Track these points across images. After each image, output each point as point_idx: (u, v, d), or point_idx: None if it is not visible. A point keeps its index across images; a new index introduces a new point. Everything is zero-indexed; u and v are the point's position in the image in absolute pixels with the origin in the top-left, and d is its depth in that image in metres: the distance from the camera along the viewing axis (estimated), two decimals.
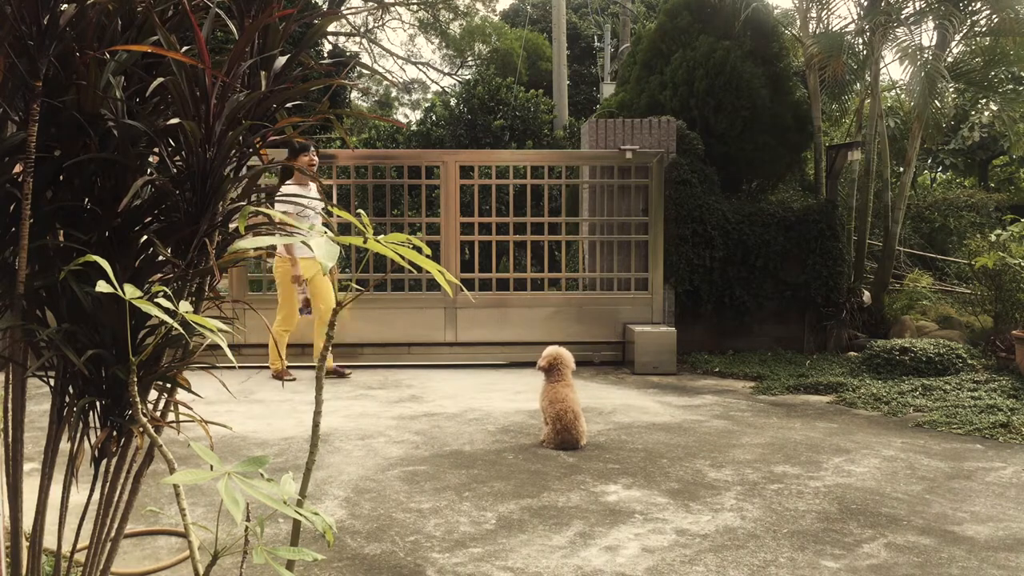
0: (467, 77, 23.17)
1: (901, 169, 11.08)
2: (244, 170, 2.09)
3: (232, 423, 4.67)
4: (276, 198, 5.86)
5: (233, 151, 1.97)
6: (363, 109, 24.71)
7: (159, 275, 2.06)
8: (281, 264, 6.56)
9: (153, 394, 2.03)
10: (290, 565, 1.75)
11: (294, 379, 6.67)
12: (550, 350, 4.98)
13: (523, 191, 9.95)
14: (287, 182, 5.88)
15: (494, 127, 12.42)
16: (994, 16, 8.42)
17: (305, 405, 5.71)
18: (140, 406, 1.67)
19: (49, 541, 2.23)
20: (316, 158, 6.30)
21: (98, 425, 1.99)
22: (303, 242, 1.59)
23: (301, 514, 1.49)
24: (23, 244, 1.83)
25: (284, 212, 5.69)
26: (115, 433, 1.99)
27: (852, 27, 8.93)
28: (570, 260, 9.52)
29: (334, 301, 6.34)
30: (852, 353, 7.74)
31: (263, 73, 1.97)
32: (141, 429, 1.79)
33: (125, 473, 2.05)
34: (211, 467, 1.41)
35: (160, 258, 1.98)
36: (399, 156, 9.21)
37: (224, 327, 1.61)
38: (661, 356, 7.29)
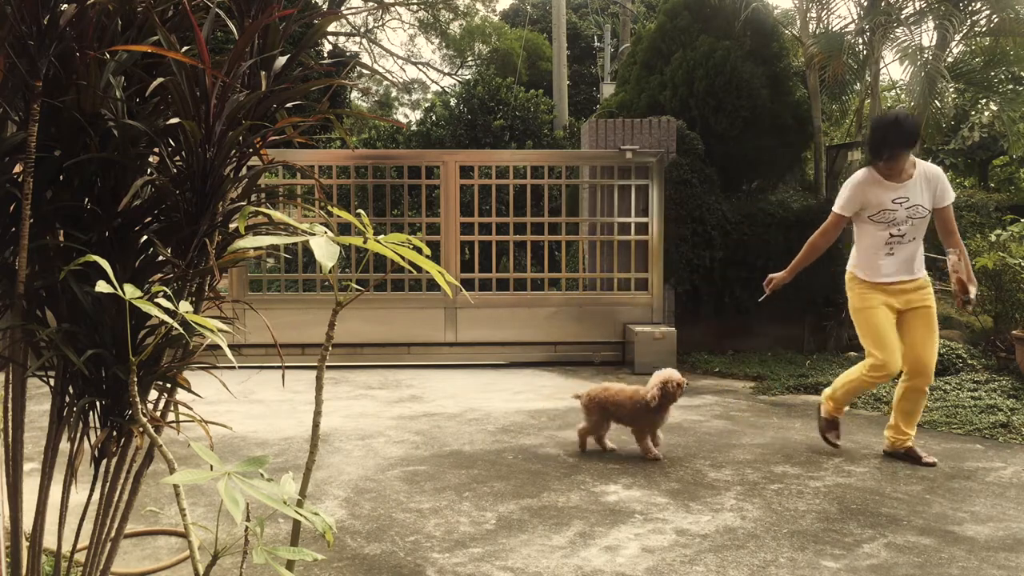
0: (467, 77, 23.18)
1: None
2: (244, 170, 2.09)
3: (232, 423, 4.67)
4: (847, 191, 4.57)
5: (233, 151, 1.97)
6: (363, 109, 24.71)
7: (159, 275, 2.07)
8: (852, 285, 4.66)
9: (153, 394, 2.03)
10: (290, 565, 1.75)
11: (837, 445, 4.65)
12: (664, 376, 4.34)
13: (523, 191, 9.94)
14: (864, 173, 4.44)
15: (494, 127, 12.42)
16: (994, 16, 8.41)
17: (305, 405, 5.71)
18: (140, 406, 1.67)
19: (49, 541, 2.24)
20: (898, 164, 4.31)
21: (98, 425, 1.99)
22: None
23: (301, 514, 1.49)
24: (23, 244, 1.83)
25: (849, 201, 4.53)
26: (115, 433, 1.99)
27: (852, 27, 8.92)
28: (570, 260, 9.52)
29: (934, 359, 4.39)
30: (852, 353, 7.73)
31: (263, 73, 1.97)
32: (141, 429, 1.79)
33: (125, 473, 2.05)
34: (211, 467, 1.41)
35: (160, 258, 1.98)
36: (399, 156, 9.21)
37: (224, 327, 1.61)
38: (661, 356, 7.28)
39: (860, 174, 4.46)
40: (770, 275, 4.76)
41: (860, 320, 4.51)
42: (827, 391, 4.71)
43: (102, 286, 1.46)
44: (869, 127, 4.53)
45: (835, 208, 4.55)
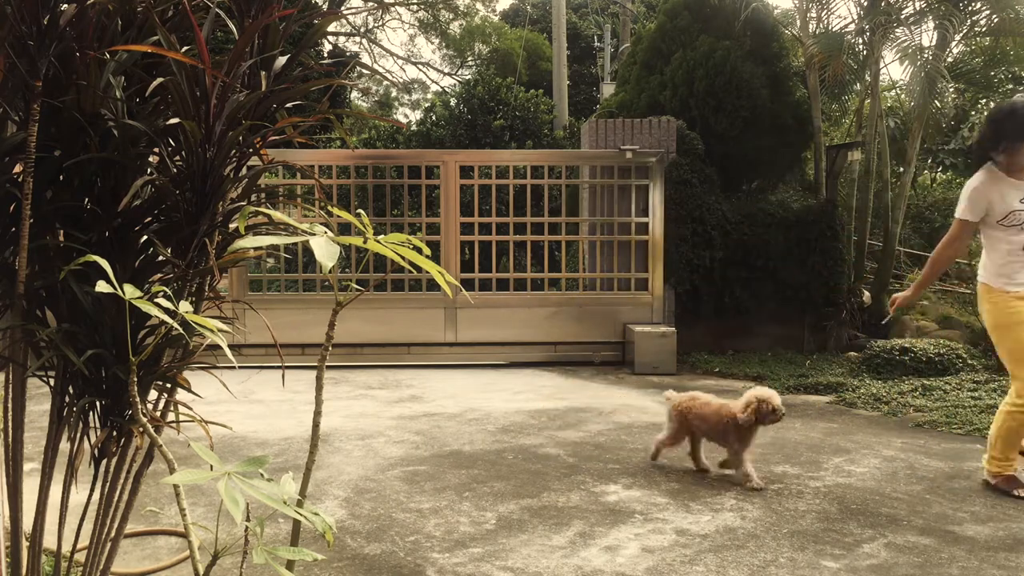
0: (467, 77, 23.18)
1: (901, 169, 11.08)
2: (244, 170, 2.09)
3: (232, 423, 4.67)
4: (969, 194, 3.98)
5: (233, 151, 1.97)
6: (363, 109, 24.72)
7: (159, 275, 2.06)
8: (991, 297, 3.93)
9: (153, 394, 2.03)
10: (290, 565, 1.75)
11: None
12: (760, 394, 4.09)
13: (523, 191, 9.95)
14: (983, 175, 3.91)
15: (494, 127, 12.42)
16: (994, 16, 8.43)
17: (305, 405, 5.71)
18: (140, 406, 1.67)
19: (49, 541, 2.23)
20: (1020, 159, 3.82)
21: (98, 425, 1.99)
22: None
23: (301, 514, 1.49)
24: (23, 244, 1.83)
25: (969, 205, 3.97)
26: (115, 433, 1.99)
27: (852, 27, 8.93)
28: (570, 260, 9.52)
29: None
30: (852, 353, 7.73)
31: (263, 73, 1.97)
32: (141, 429, 1.79)
33: (125, 473, 2.05)
34: (211, 467, 1.41)
35: (160, 258, 1.98)
36: (399, 156, 9.21)
37: (224, 327, 1.61)
38: (661, 356, 7.29)
39: (980, 174, 3.95)
40: (895, 295, 4.43)
41: (1006, 337, 3.87)
42: (986, 455, 4.05)
43: (102, 286, 1.46)
44: (984, 120, 4.14)
45: (958, 215, 4.02)
